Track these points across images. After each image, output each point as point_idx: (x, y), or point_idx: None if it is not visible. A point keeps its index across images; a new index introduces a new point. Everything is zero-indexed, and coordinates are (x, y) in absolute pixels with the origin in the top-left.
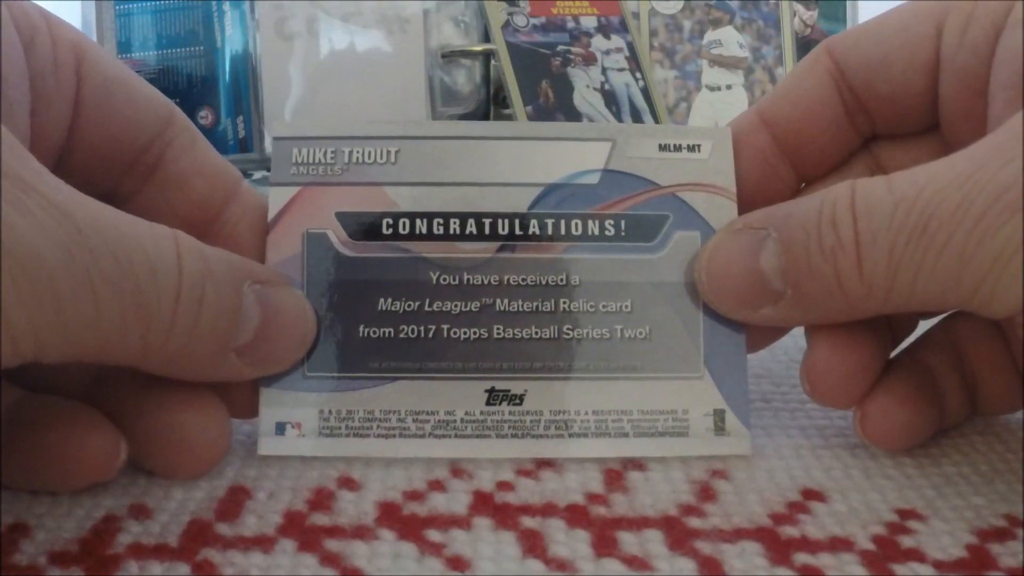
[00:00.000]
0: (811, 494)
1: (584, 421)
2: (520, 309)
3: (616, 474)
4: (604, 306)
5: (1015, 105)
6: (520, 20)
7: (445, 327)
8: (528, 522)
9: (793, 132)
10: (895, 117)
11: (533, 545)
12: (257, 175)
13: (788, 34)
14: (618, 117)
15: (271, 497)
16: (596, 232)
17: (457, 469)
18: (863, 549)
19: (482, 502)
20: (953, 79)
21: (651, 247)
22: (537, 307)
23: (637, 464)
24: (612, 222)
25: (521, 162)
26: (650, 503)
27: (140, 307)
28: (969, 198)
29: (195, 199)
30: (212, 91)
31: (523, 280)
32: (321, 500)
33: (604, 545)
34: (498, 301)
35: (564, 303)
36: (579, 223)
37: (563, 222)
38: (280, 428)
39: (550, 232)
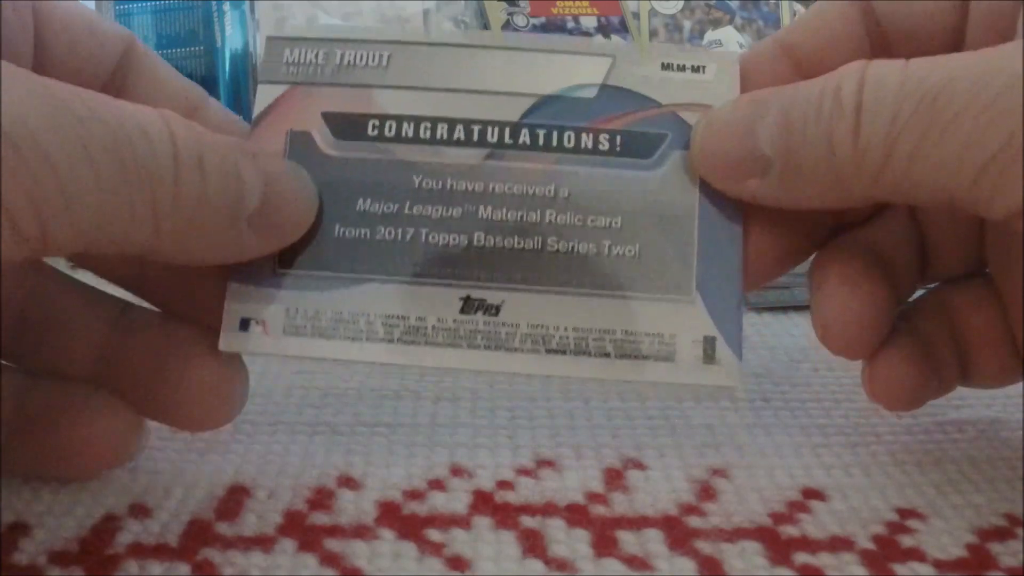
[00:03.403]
0: (811, 493)
1: (563, 338)
2: (504, 218)
3: (616, 473)
4: (592, 221)
5: None
6: (520, 20)
7: (424, 231)
8: (528, 521)
9: (815, 60)
10: (919, 55)
11: (533, 545)
12: None
13: None
14: None
15: (271, 496)
16: (589, 146)
17: (457, 468)
18: (863, 548)
19: (482, 501)
20: (981, 19)
21: (647, 164)
22: (522, 217)
23: (637, 463)
24: (607, 137)
25: (515, 72)
26: (650, 502)
27: (141, 174)
28: (985, 78)
29: None
30: (212, 91)
31: (509, 189)
32: (321, 499)
33: (604, 545)
34: (481, 208)
35: (551, 215)
36: (572, 136)
37: (555, 134)
38: (244, 324)
39: (541, 143)
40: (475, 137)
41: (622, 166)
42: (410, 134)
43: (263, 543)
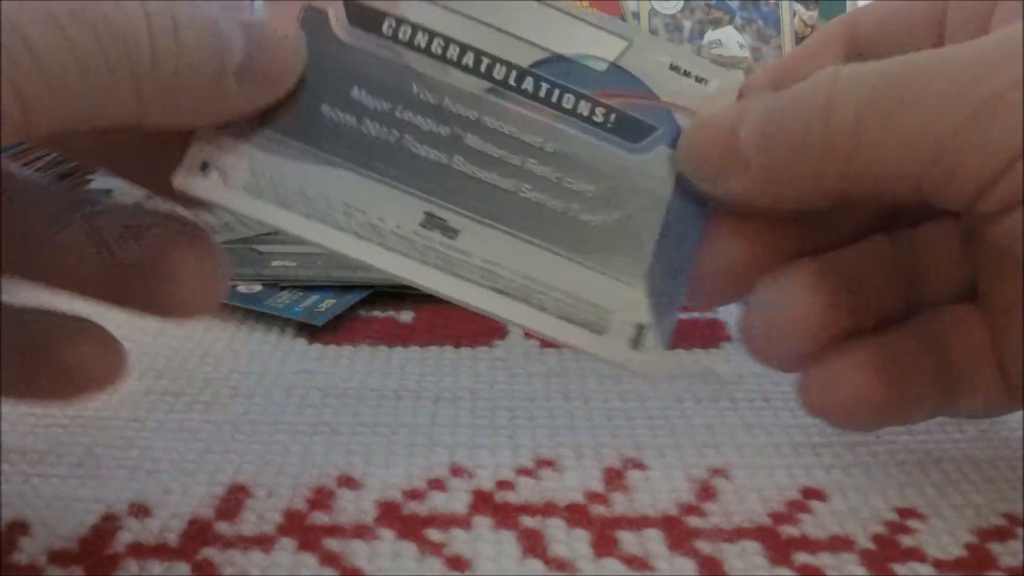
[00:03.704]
0: (811, 493)
1: (511, 280)
2: (487, 152)
3: (616, 473)
4: (569, 182)
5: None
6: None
7: (408, 138)
8: (528, 521)
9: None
10: None
11: (533, 545)
12: None
13: (788, 34)
14: None
15: (271, 496)
16: (586, 113)
17: (457, 468)
18: (863, 548)
19: (482, 501)
20: (957, 37)
21: (632, 148)
22: (504, 156)
23: (637, 463)
24: (604, 110)
25: (539, 25)
26: (650, 502)
27: (116, 41)
28: (946, 63)
29: None
30: None
31: (500, 127)
32: (321, 499)
33: (604, 545)
34: (469, 135)
35: (532, 163)
36: (572, 99)
37: (557, 91)
38: (204, 167)
39: (542, 95)
40: (483, 68)
41: (610, 142)
42: (422, 45)
43: (263, 543)
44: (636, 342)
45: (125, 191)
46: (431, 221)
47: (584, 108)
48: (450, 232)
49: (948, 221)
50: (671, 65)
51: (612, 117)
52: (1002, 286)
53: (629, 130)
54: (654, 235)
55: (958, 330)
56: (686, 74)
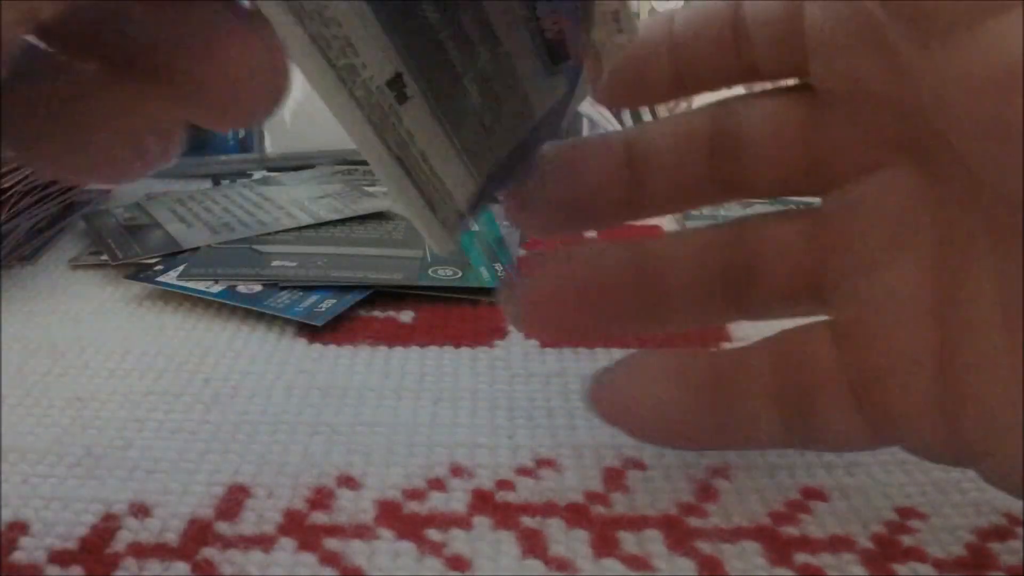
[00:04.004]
0: (811, 493)
1: (414, 157)
2: (468, 32)
3: (616, 473)
4: (497, 87)
5: None
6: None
7: (426, 4)
8: (528, 521)
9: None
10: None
11: (533, 545)
12: (257, 175)
13: None
14: (617, 117)
15: (271, 496)
16: (538, 25)
17: (457, 468)
18: (863, 548)
19: (482, 501)
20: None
21: (549, 72)
22: (475, 40)
23: (637, 463)
24: (552, 26)
25: None
26: (650, 502)
27: None
28: None
29: None
30: None
31: (489, 11)
32: (321, 499)
33: (604, 545)
34: (463, 10)
35: (485, 57)
36: (536, 6)
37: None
38: None
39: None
40: None
41: (538, 58)
42: None
43: (263, 542)
44: (450, 225)
45: (124, 191)
46: (395, 82)
47: (543, 16)
48: (402, 98)
49: (792, 220)
50: (613, 13)
51: (552, 35)
52: (857, 289)
53: (555, 54)
54: (510, 147)
55: (807, 350)
56: (619, 31)
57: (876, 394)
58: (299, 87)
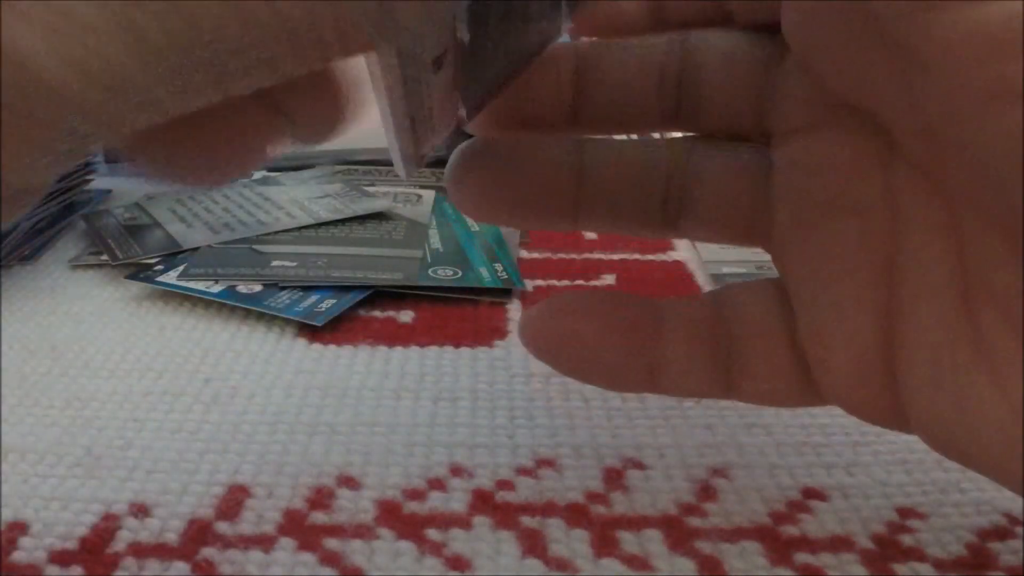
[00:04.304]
0: (812, 493)
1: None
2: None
3: (616, 473)
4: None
5: None
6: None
7: None
8: (528, 521)
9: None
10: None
11: (533, 545)
12: (257, 175)
13: None
14: None
15: (270, 496)
16: None
17: (457, 468)
18: (863, 548)
19: (482, 501)
20: None
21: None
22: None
23: (637, 463)
24: None
25: None
26: (650, 502)
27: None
28: None
29: None
30: None
31: None
32: (321, 499)
33: (604, 545)
34: None
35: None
36: None
37: None
38: None
39: None
40: None
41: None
42: None
43: (262, 542)
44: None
45: (124, 191)
46: (439, 58)
47: None
48: (437, 68)
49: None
50: None
51: None
52: (803, 243)
53: None
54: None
55: (743, 305)
56: None
57: (817, 350)
58: None
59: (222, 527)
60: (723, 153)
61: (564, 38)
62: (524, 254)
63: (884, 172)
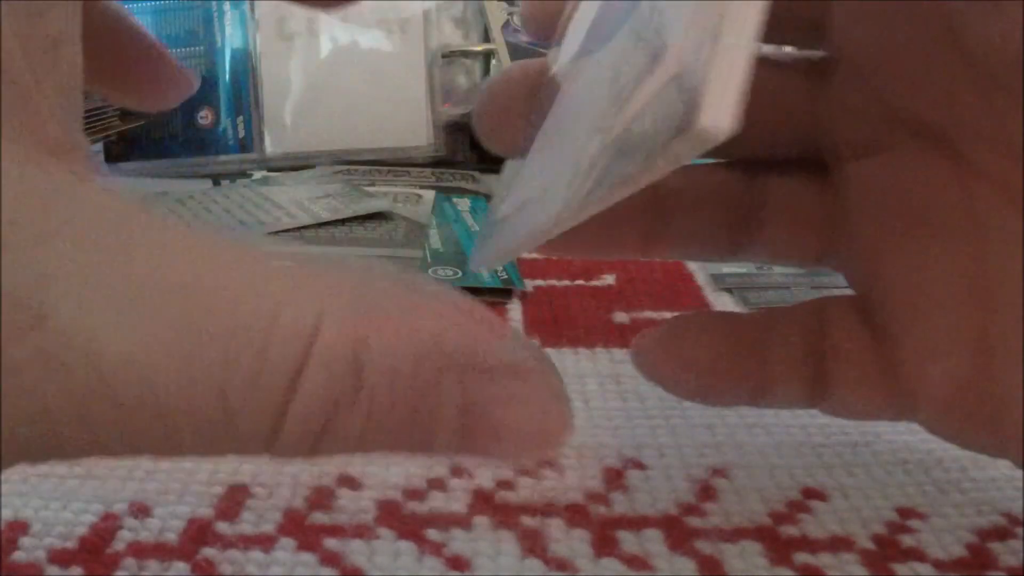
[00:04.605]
0: (811, 493)
1: None
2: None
3: (616, 473)
4: None
5: None
6: (520, 20)
7: None
8: (528, 521)
9: None
10: None
11: (533, 545)
12: (257, 175)
13: None
14: None
15: (271, 495)
16: None
17: (457, 468)
18: (863, 548)
19: (482, 501)
20: None
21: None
22: None
23: (637, 463)
24: None
25: None
26: (650, 502)
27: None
28: None
29: None
30: (212, 91)
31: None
32: (321, 499)
33: (604, 545)
34: None
35: None
36: None
37: None
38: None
39: None
40: None
41: None
42: None
43: (263, 542)
44: None
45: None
46: None
47: None
48: None
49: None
50: None
51: None
52: (885, 269)
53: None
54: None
55: (834, 321)
56: None
57: (912, 378)
58: (297, 82)
59: (222, 527)
60: (786, 176)
61: None
62: (524, 254)
63: (962, 189)
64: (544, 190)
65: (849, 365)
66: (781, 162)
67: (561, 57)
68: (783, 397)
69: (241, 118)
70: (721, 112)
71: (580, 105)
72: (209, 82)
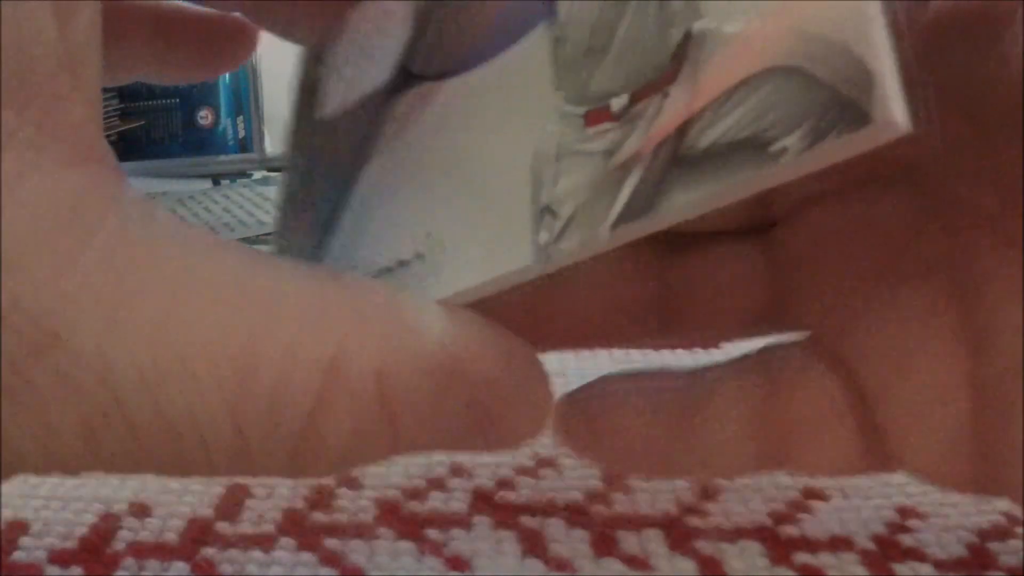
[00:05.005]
0: (811, 493)
1: None
2: None
3: (616, 473)
4: None
5: None
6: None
7: None
8: (528, 521)
9: None
10: None
11: (533, 544)
12: (257, 175)
13: None
14: None
15: (270, 495)
16: None
17: (457, 468)
18: (863, 548)
19: (482, 500)
20: None
21: None
22: None
23: None
24: None
25: None
26: (650, 502)
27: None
28: None
29: None
30: (212, 91)
31: None
32: (321, 498)
33: (604, 545)
34: None
35: None
36: None
37: None
38: None
39: None
40: None
41: None
42: None
43: (263, 542)
44: None
45: None
46: None
47: None
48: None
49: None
50: None
51: None
52: (855, 326)
53: None
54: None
55: (797, 381)
56: None
57: (894, 438)
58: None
59: (222, 526)
60: (715, 251)
61: None
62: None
63: (942, 226)
64: (462, 232)
65: (819, 428)
66: (700, 238)
67: (348, 86)
68: (733, 463)
69: (241, 118)
70: (899, 103)
71: (489, 131)
72: (209, 82)
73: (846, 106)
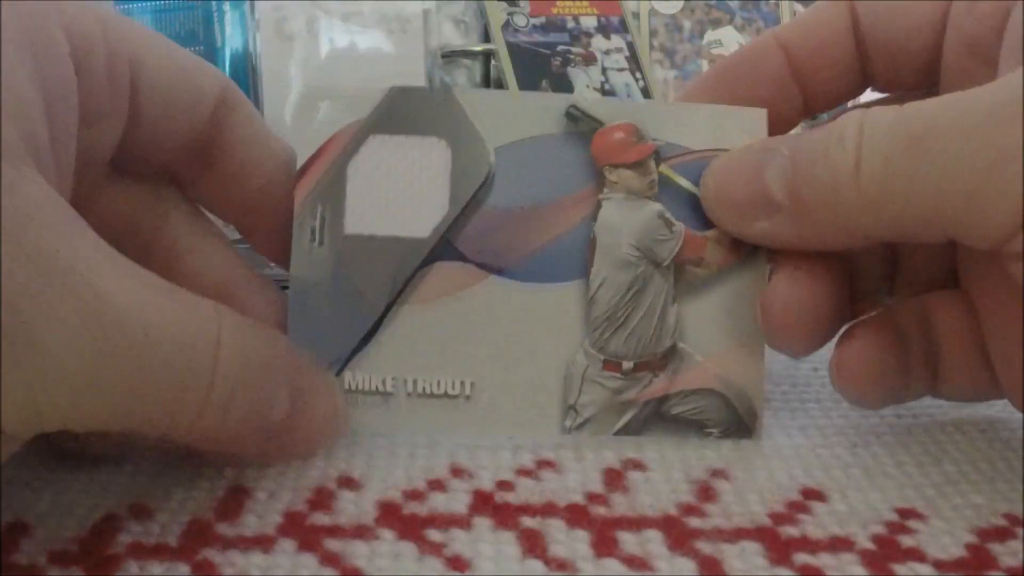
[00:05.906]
0: (811, 493)
1: None
2: None
3: (616, 474)
4: None
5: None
6: (520, 20)
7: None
8: (528, 522)
9: (806, 58)
10: (895, 69)
11: (533, 545)
12: None
13: None
14: None
15: (271, 497)
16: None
17: (457, 468)
18: (863, 548)
19: (482, 501)
20: (957, 42)
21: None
22: None
23: (637, 463)
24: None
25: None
26: (650, 503)
27: (165, 403)
28: (964, 116)
29: (253, 188)
30: None
31: None
32: (321, 500)
33: (604, 545)
34: None
35: None
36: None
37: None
38: None
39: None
40: None
41: None
42: None
43: (263, 543)
44: None
45: None
46: None
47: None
48: None
49: None
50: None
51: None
52: (992, 288)
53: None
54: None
55: (942, 315)
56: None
57: (1005, 373)
58: (297, 82)
59: (222, 528)
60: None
61: None
62: None
63: None
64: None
65: (955, 359)
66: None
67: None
68: (914, 393)
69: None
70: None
71: (532, 332)
72: None
73: (741, 424)
